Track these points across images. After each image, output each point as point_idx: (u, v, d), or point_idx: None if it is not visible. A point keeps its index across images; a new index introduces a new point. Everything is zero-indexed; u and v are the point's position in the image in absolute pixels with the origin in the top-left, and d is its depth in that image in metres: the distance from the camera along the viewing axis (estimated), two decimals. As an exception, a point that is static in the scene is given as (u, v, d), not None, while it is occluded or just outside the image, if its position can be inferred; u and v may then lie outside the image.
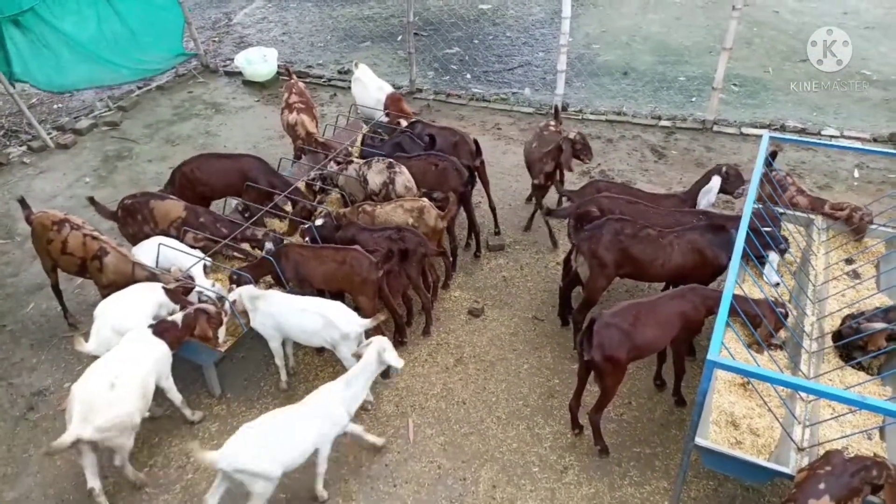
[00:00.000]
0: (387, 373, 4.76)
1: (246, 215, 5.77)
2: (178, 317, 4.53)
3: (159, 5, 9.92)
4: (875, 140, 7.93)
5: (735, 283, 3.78)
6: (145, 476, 4.41)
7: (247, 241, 5.51)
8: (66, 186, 7.81)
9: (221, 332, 4.70)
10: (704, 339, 4.94)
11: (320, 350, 5.31)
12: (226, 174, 6.04)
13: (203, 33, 11.75)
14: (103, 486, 4.13)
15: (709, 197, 5.35)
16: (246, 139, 8.69)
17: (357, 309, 4.88)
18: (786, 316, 4.40)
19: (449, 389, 5.09)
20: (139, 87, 10.11)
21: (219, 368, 5.09)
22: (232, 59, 10.60)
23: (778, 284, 4.83)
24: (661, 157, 7.92)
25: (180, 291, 4.83)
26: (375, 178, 5.79)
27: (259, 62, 10.12)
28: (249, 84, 10.21)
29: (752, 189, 4.54)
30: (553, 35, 10.71)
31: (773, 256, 4.80)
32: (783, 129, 8.22)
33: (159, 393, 4.55)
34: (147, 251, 5.20)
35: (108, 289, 4.89)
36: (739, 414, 3.98)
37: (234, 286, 5.02)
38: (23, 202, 5.36)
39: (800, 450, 3.68)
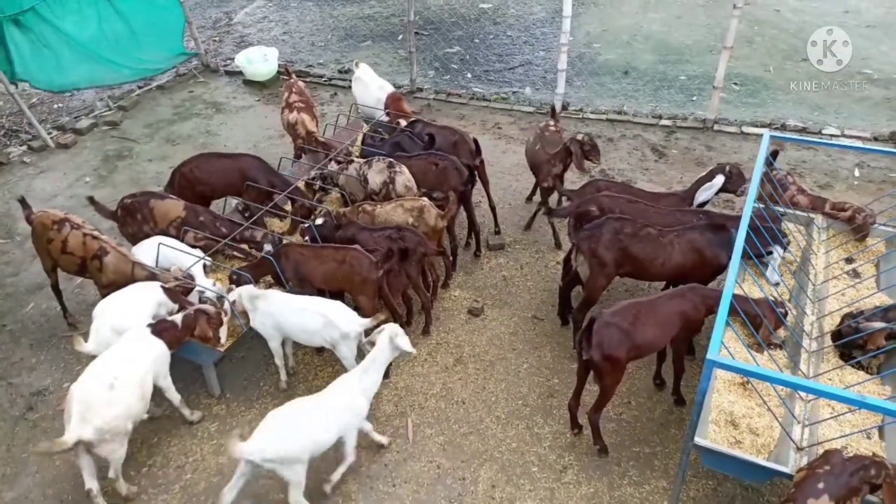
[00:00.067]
0: (387, 372, 4.77)
1: (246, 215, 5.77)
2: (177, 317, 4.53)
3: (160, 5, 9.92)
4: (876, 139, 7.92)
5: (735, 282, 3.77)
6: (136, 489, 4.39)
7: (245, 243, 5.51)
8: (67, 186, 7.82)
9: (223, 332, 4.70)
10: (704, 338, 4.93)
11: (320, 350, 5.31)
12: (225, 174, 6.04)
13: (204, 33, 11.76)
14: (101, 487, 4.12)
15: (708, 193, 5.35)
16: (246, 139, 8.69)
17: (357, 308, 4.88)
18: (785, 315, 4.39)
19: (448, 389, 5.09)
20: (139, 87, 10.11)
21: (218, 368, 5.09)
22: (232, 59, 10.61)
23: (778, 284, 4.82)
24: (661, 156, 7.91)
25: (179, 291, 4.83)
26: (376, 178, 5.79)
27: (260, 61, 10.12)
28: (250, 83, 10.21)
29: (753, 188, 4.54)
30: (554, 34, 10.71)
31: (777, 251, 4.77)
32: (784, 128, 8.21)
33: (158, 393, 4.56)
34: (147, 251, 5.20)
35: (107, 288, 4.89)
36: (739, 413, 3.98)
37: (233, 286, 5.02)
38: (23, 202, 5.37)
39: (799, 449, 3.67)
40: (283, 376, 5.07)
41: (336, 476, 4.31)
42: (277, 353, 4.95)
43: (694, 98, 9.15)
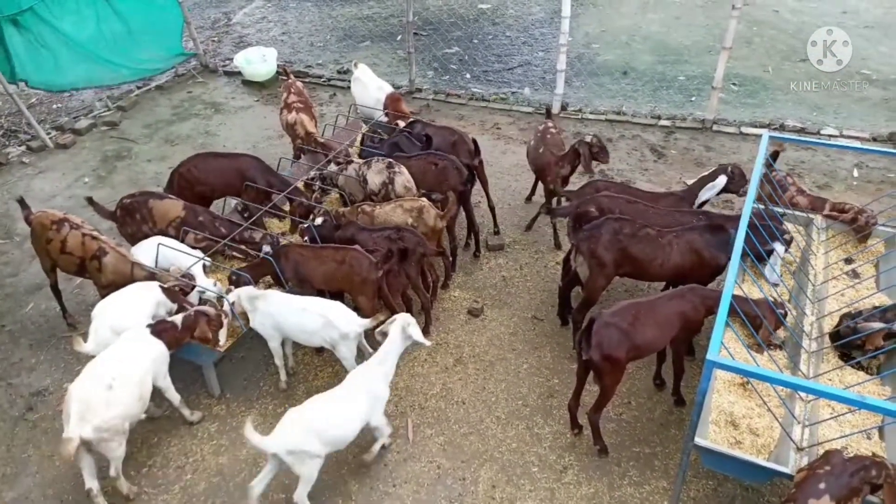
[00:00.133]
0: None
1: (245, 215, 5.76)
2: (177, 318, 4.52)
3: (158, 5, 9.92)
4: (874, 139, 7.93)
5: (734, 282, 3.78)
6: (136, 489, 4.39)
7: (245, 243, 5.50)
8: (66, 186, 7.81)
9: (222, 334, 4.70)
10: (704, 338, 4.94)
11: (320, 350, 5.31)
12: (223, 173, 6.04)
13: (202, 33, 11.75)
14: (101, 487, 4.13)
15: (710, 193, 5.36)
16: (245, 139, 8.69)
17: (356, 309, 4.88)
18: (785, 316, 4.40)
19: (448, 389, 5.09)
20: (138, 87, 10.10)
21: (218, 368, 5.09)
22: (231, 59, 10.60)
23: (777, 285, 4.83)
24: (660, 156, 7.92)
25: (178, 290, 4.83)
26: (375, 178, 5.79)
27: (258, 62, 10.11)
28: (249, 84, 10.20)
29: (752, 188, 4.54)
30: (552, 34, 10.71)
31: (779, 248, 4.77)
32: (783, 128, 8.22)
33: (158, 393, 4.56)
34: (146, 251, 5.20)
35: (107, 289, 4.89)
36: (739, 414, 3.98)
37: (231, 287, 5.02)
38: (22, 202, 5.36)
39: (799, 449, 3.68)
40: (283, 376, 5.07)
41: (376, 449, 4.45)
42: (277, 353, 4.94)
43: (693, 98, 9.16)
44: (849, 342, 4.24)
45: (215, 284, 5.10)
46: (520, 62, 10.51)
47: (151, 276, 4.92)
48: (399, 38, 11.37)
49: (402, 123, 6.76)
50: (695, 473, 4.36)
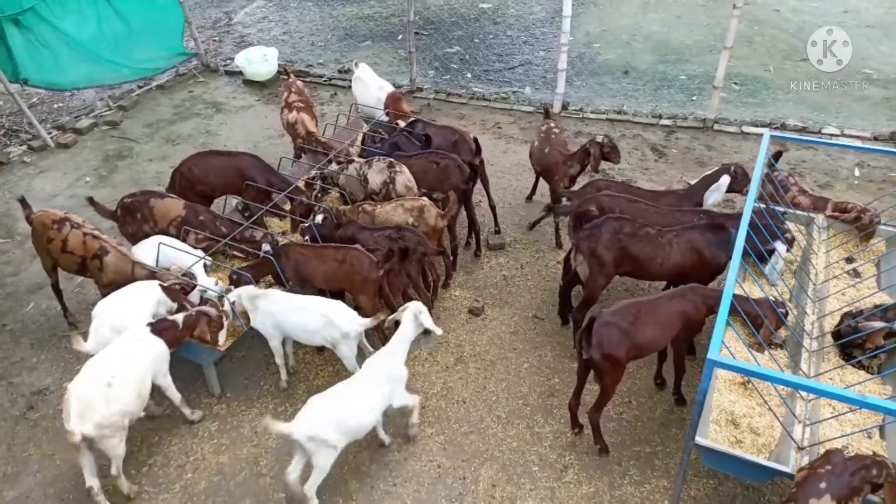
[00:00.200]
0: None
1: (246, 214, 5.77)
2: (178, 317, 4.53)
3: (159, 5, 9.91)
4: (876, 139, 7.92)
5: (735, 282, 3.77)
6: (137, 488, 4.39)
7: (245, 243, 5.51)
8: (67, 186, 7.82)
9: (222, 335, 4.70)
10: (705, 337, 4.93)
11: (320, 349, 5.31)
12: (223, 172, 6.04)
13: (203, 33, 11.75)
14: (102, 486, 4.13)
15: (716, 195, 5.36)
16: (246, 138, 8.69)
17: (357, 308, 4.88)
18: (786, 315, 4.39)
19: (449, 388, 5.09)
20: (139, 87, 10.11)
21: (219, 368, 5.09)
22: (232, 59, 10.60)
23: (775, 285, 4.82)
24: (661, 155, 7.91)
25: (178, 289, 4.83)
26: (376, 178, 5.78)
27: (259, 61, 10.11)
28: (250, 83, 10.20)
29: (753, 188, 4.54)
30: (553, 34, 10.70)
31: (780, 248, 4.76)
32: (784, 127, 8.21)
33: (159, 392, 4.56)
34: (147, 250, 5.20)
35: (108, 288, 4.89)
36: (740, 413, 3.98)
37: (232, 286, 5.02)
38: (23, 201, 5.37)
39: (800, 449, 3.67)
40: (284, 375, 5.07)
41: (415, 419, 4.57)
42: (278, 352, 4.95)
43: (694, 98, 9.16)
44: (850, 341, 4.24)
45: (216, 283, 5.10)
46: (521, 61, 10.50)
47: (152, 275, 4.93)
48: (400, 37, 11.37)
49: (402, 123, 6.76)
50: (695, 472, 4.36)
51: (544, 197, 6.82)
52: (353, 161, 6.03)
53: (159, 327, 4.43)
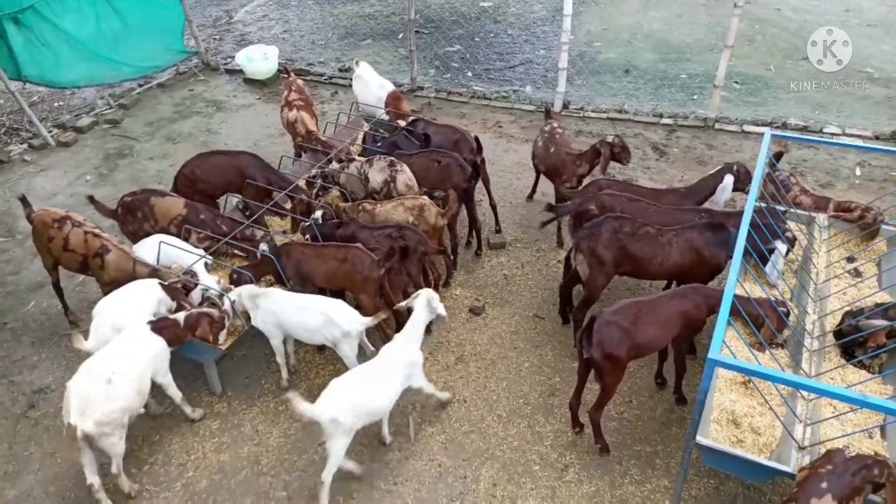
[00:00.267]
0: (428, 328, 5.05)
1: (247, 213, 5.76)
2: (180, 316, 4.53)
3: (160, 3, 9.91)
4: (877, 138, 7.91)
5: (736, 281, 3.77)
6: (138, 486, 4.40)
7: (246, 242, 5.51)
8: (67, 184, 7.81)
9: (222, 335, 4.70)
10: (705, 337, 4.93)
11: (321, 348, 5.31)
12: (223, 171, 6.04)
13: (204, 31, 11.74)
14: (103, 483, 4.13)
15: (724, 195, 5.36)
16: (247, 137, 8.69)
17: (358, 307, 4.88)
18: (787, 314, 4.39)
19: (449, 387, 5.09)
20: (140, 85, 10.10)
21: (220, 366, 5.10)
22: (233, 57, 10.60)
23: (775, 286, 4.82)
24: (662, 154, 7.90)
25: (178, 288, 4.83)
26: (377, 177, 5.78)
27: (260, 60, 10.11)
28: (250, 82, 10.20)
29: (755, 187, 4.53)
30: (554, 33, 10.70)
31: (781, 247, 4.76)
32: (785, 126, 8.21)
33: (160, 390, 4.56)
34: (148, 249, 5.19)
35: (110, 286, 4.90)
36: (740, 412, 3.98)
37: (232, 286, 5.02)
38: (24, 200, 5.36)
39: (801, 448, 3.67)
40: (285, 374, 5.07)
41: (443, 396, 4.84)
42: (279, 351, 4.95)
43: (695, 97, 9.15)
44: (851, 340, 4.24)
45: (218, 282, 5.10)
46: (521, 60, 10.50)
47: (154, 273, 4.93)
48: (401, 36, 11.36)
49: (402, 123, 6.75)
50: (696, 472, 4.36)
51: (545, 196, 6.82)
52: (354, 160, 6.03)
53: (159, 326, 4.43)
